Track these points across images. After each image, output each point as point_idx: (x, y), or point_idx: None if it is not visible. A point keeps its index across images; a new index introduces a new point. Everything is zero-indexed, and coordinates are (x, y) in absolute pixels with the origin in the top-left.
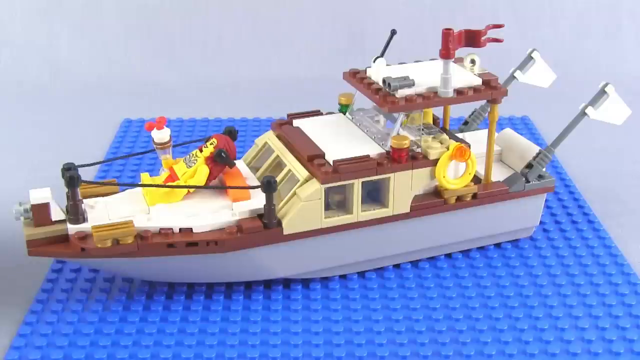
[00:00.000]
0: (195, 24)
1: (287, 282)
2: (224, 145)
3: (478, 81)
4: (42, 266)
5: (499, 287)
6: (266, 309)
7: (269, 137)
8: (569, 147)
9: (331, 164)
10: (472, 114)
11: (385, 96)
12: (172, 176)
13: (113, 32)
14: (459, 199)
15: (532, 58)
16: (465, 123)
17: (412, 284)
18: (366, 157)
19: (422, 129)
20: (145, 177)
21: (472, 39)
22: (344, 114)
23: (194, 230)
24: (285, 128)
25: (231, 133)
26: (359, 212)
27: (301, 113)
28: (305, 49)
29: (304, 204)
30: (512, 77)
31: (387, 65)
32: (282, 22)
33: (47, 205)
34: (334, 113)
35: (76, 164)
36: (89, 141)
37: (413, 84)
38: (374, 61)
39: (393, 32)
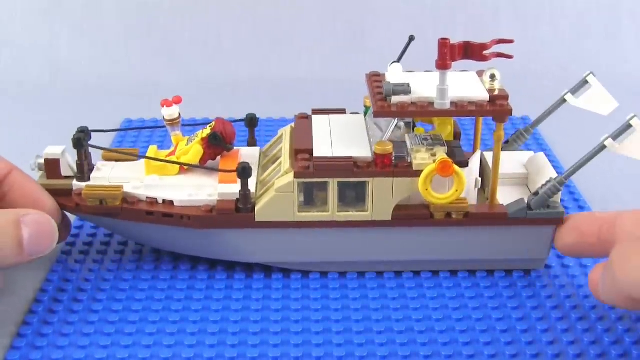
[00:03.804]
0: (195, 23)
1: (287, 282)
2: (221, 128)
3: (485, 97)
4: (42, 267)
5: (498, 287)
6: (266, 309)
7: (286, 129)
8: (569, 147)
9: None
10: (515, 133)
11: (378, 100)
12: (175, 152)
13: (113, 32)
14: (449, 215)
15: (587, 82)
16: (507, 142)
17: (412, 284)
18: (347, 159)
19: (426, 139)
20: (151, 150)
21: (472, 52)
22: (365, 116)
23: (175, 204)
24: (299, 122)
25: (252, 120)
26: (335, 212)
27: (324, 110)
28: (306, 49)
29: (276, 195)
30: (563, 100)
31: (407, 71)
32: (282, 21)
33: (57, 161)
34: (358, 113)
35: (90, 129)
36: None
37: (409, 92)
38: (390, 66)
39: (411, 38)
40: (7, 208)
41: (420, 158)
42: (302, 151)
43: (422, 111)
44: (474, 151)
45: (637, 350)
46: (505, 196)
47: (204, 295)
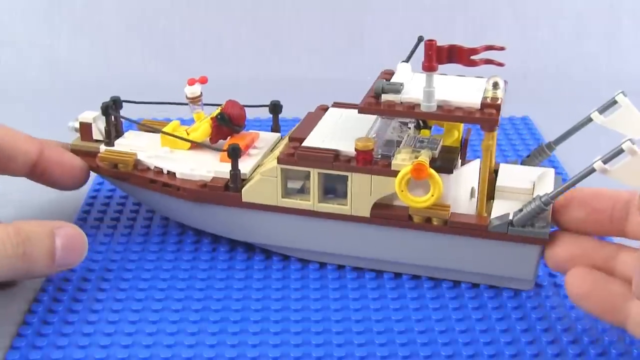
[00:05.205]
0: (195, 24)
1: (286, 282)
2: (229, 110)
3: (476, 104)
4: None
5: (498, 287)
6: (266, 309)
7: None
8: (570, 147)
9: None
10: (536, 148)
11: (369, 97)
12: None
13: (113, 32)
14: (429, 220)
15: (616, 102)
16: (528, 156)
17: (412, 284)
18: (330, 151)
19: (423, 142)
20: (172, 124)
21: (459, 56)
22: None
23: (177, 176)
24: (314, 112)
25: (275, 107)
26: (316, 202)
27: (345, 103)
28: (305, 49)
29: (261, 178)
30: (589, 119)
31: (416, 72)
32: (282, 21)
33: (89, 125)
34: None
35: (122, 99)
36: None
37: (399, 91)
38: (399, 65)
39: (420, 39)
40: (49, 179)
41: (401, 159)
42: (294, 139)
43: (408, 112)
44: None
45: (638, 349)
46: (506, 210)
47: (204, 295)
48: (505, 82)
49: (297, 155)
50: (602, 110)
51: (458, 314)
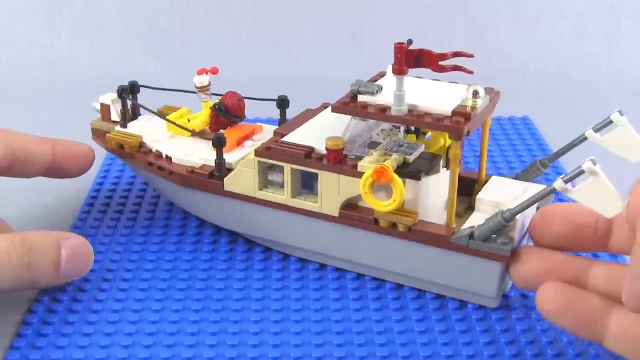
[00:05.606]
0: (195, 24)
1: (286, 282)
2: (227, 100)
3: (447, 111)
4: None
5: None
6: (266, 309)
7: None
8: (574, 154)
9: None
10: (530, 164)
11: (346, 97)
12: None
13: (113, 32)
14: (395, 225)
15: (611, 121)
16: (522, 172)
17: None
18: (304, 147)
19: (402, 146)
20: (182, 111)
21: (427, 60)
22: None
23: (173, 160)
24: (312, 110)
25: (283, 102)
26: (289, 196)
27: None
28: (305, 49)
29: (239, 169)
30: (584, 137)
31: (415, 76)
32: (282, 21)
33: (108, 107)
34: None
35: (139, 84)
36: (89, 141)
37: (374, 93)
38: (388, 67)
39: (409, 42)
40: (63, 173)
41: (368, 161)
42: (277, 133)
43: (379, 114)
44: (479, 173)
45: None
46: (480, 222)
47: (204, 295)
48: (492, 89)
49: (272, 149)
50: (598, 129)
51: (458, 314)
